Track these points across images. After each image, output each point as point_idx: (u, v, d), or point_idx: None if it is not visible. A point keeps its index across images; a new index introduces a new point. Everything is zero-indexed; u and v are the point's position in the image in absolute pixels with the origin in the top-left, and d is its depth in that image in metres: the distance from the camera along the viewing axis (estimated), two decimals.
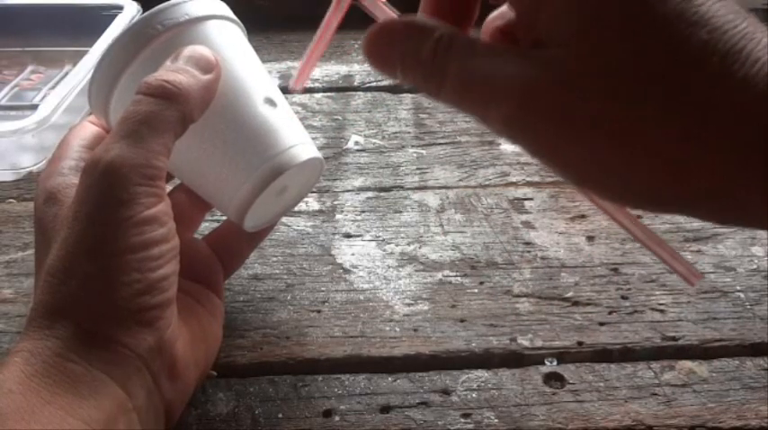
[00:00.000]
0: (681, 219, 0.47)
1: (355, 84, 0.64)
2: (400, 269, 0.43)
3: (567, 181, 0.25)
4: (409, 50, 0.25)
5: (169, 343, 0.29)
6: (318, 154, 0.35)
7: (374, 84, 0.65)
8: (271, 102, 0.34)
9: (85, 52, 0.56)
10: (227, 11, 0.35)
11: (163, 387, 0.29)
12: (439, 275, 0.43)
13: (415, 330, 0.39)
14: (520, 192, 0.49)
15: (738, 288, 0.41)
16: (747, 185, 0.22)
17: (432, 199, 0.49)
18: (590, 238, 0.45)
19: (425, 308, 0.41)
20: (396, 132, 0.57)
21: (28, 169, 0.52)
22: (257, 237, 0.40)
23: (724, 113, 0.21)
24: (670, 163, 0.22)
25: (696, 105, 0.22)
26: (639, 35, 0.22)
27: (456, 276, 0.43)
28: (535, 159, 0.25)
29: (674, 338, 0.38)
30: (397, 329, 0.39)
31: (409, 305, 0.41)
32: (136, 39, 0.32)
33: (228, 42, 0.34)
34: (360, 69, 0.67)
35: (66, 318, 0.28)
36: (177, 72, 0.30)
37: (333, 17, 0.29)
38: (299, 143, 0.34)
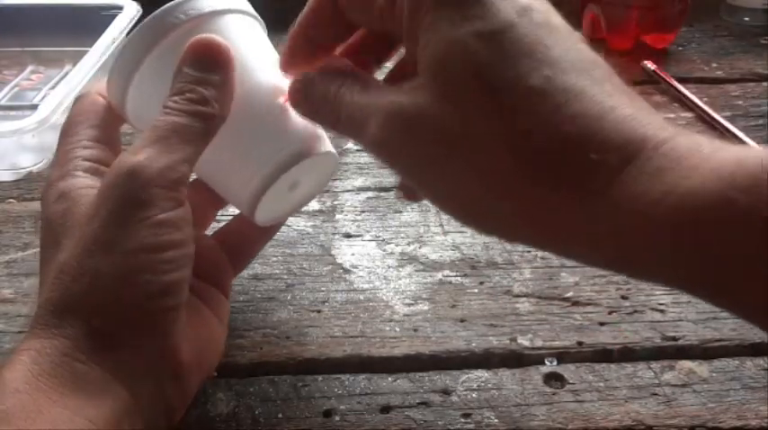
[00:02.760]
0: None
1: None
2: (400, 269, 0.43)
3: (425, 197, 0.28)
4: (319, 96, 0.30)
5: (175, 347, 0.29)
6: (333, 150, 0.35)
7: None
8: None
9: (85, 52, 0.56)
10: (247, 6, 0.36)
11: (167, 390, 0.29)
12: (439, 275, 0.43)
13: (415, 330, 0.39)
14: None
15: None
16: (559, 207, 0.24)
17: None
18: None
19: (425, 308, 0.41)
20: None
21: (28, 169, 0.52)
22: (266, 235, 0.40)
23: (547, 144, 0.23)
24: (497, 180, 0.24)
25: (526, 133, 0.24)
26: (483, 72, 0.24)
27: (456, 276, 0.43)
28: (397, 176, 0.28)
29: (674, 338, 0.38)
30: (397, 329, 0.39)
31: (409, 305, 0.41)
32: (157, 27, 0.32)
33: (247, 36, 0.34)
34: None
35: (76, 316, 0.28)
36: (202, 86, 0.30)
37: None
38: (314, 137, 0.34)
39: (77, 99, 0.35)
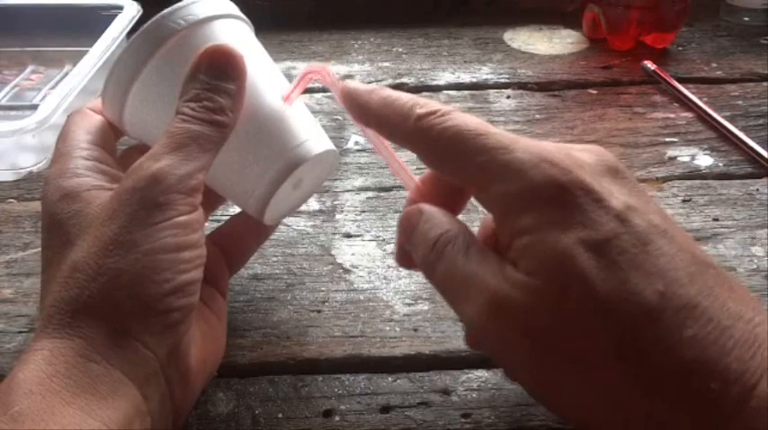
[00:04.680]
0: (680, 219, 0.47)
1: None
2: (400, 269, 0.43)
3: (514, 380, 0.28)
4: (420, 236, 0.30)
5: (185, 348, 0.30)
6: (334, 147, 0.36)
7: (374, 84, 0.65)
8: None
9: (85, 52, 0.56)
10: (237, 9, 0.36)
11: (175, 390, 0.29)
12: None
13: (415, 330, 0.39)
14: None
15: None
16: (674, 426, 0.24)
17: None
18: None
19: (425, 307, 0.41)
20: None
21: (28, 169, 0.53)
22: (262, 235, 0.40)
23: (666, 367, 0.24)
24: (612, 395, 0.25)
25: (643, 353, 0.24)
26: (597, 287, 0.24)
27: None
28: (491, 357, 0.28)
29: None
30: (397, 329, 0.39)
31: (409, 305, 0.41)
32: (157, 33, 0.32)
33: (247, 41, 0.35)
34: (360, 69, 0.67)
35: (91, 316, 0.28)
36: (218, 95, 0.31)
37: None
38: (317, 135, 0.35)
39: (69, 115, 0.35)
